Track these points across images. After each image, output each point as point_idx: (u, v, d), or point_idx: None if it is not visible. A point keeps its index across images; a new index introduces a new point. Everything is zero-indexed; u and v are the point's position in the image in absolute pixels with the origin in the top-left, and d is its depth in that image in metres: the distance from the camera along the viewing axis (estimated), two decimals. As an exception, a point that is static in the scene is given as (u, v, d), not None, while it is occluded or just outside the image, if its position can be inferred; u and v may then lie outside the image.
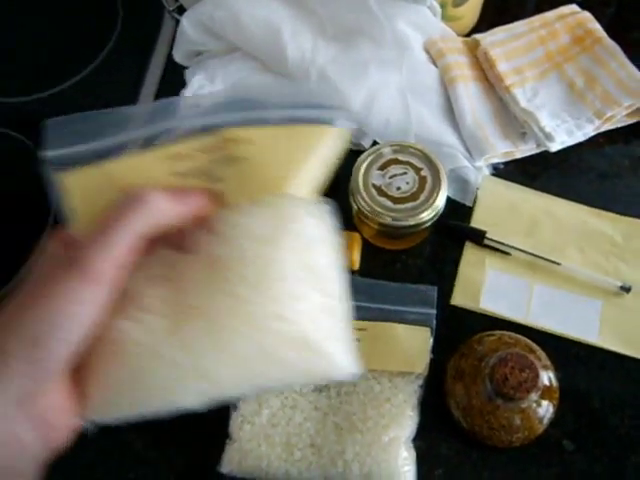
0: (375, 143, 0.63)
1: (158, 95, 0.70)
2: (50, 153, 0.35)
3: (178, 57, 0.70)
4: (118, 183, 0.35)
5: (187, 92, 0.66)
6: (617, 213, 0.61)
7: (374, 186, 0.54)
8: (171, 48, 0.71)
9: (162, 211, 0.33)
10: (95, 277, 0.31)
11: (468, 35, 0.70)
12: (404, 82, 0.64)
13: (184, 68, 0.70)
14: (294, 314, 0.34)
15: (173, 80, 0.70)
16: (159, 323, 0.33)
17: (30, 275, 0.33)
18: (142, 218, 0.33)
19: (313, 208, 0.36)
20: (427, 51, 0.67)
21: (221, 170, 0.36)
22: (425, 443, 0.51)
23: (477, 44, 0.67)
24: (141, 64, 0.72)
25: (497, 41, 0.66)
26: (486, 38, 0.66)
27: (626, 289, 0.56)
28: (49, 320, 0.30)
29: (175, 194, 0.34)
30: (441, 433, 0.52)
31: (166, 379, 0.33)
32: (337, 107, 0.39)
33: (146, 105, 0.67)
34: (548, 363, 0.51)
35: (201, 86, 0.66)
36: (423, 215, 0.53)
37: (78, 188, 0.35)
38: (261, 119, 0.37)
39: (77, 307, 0.31)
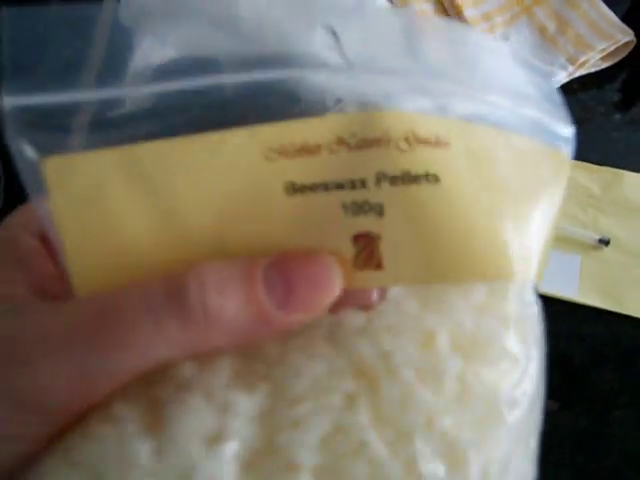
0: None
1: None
2: (10, 101, 0.17)
3: (124, 19, 0.66)
4: (160, 192, 0.18)
5: (137, 57, 0.62)
6: (593, 163, 0.59)
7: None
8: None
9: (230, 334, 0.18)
10: None
11: (432, -19, 0.66)
12: (366, 32, 0.60)
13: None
14: None
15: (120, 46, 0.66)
16: None
17: None
18: (189, 342, 0.18)
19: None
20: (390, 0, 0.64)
21: (380, 191, 0.18)
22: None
23: (442, -10, 0.63)
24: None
25: (463, -14, 0.63)
26: (451, -17, 0.63)
27: (605, 242, 0.55)
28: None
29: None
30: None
31: None
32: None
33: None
34: (528, 323, 0.50)
35: (151, 48, 0.62)
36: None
37: (72, 182, 0.17)
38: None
39: None
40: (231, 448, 0.18)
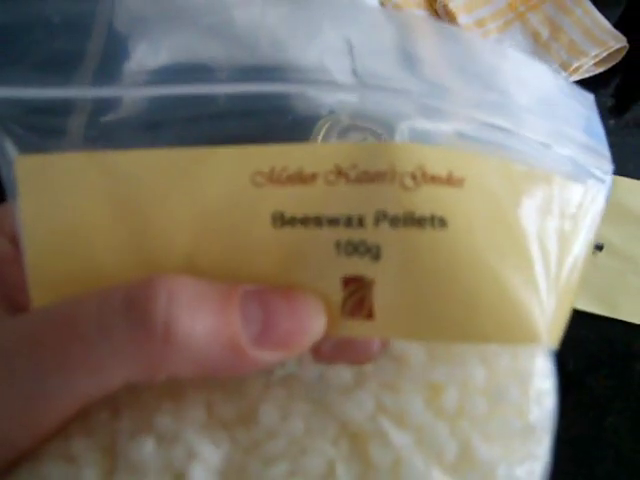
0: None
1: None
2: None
3: (119, 25, 0.66)
4: (132, 205, 0.17)
5: (132, 64, 0.62)
6: (587, 168, 0.59)
7: (334, 154, 0.51)
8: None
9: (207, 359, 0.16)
10: None
11: (426, -13, 0.66)
12: (360, 39, 0.60)
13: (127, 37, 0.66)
14: None
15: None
16: None
17: None
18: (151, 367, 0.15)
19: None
20: (383, 5, 0.64)
21: (378, 232, 0.17)
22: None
23: (436, -4, 0.63)
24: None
25: (457, -8, 0.63)
26: (445, -10, 0.63)
27: (599, 247, 0.55)
28: None
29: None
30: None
31: None
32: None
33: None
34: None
35: (145, 57, 0.62)
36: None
37: (43, 184, 0.17)
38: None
39: None
40: None
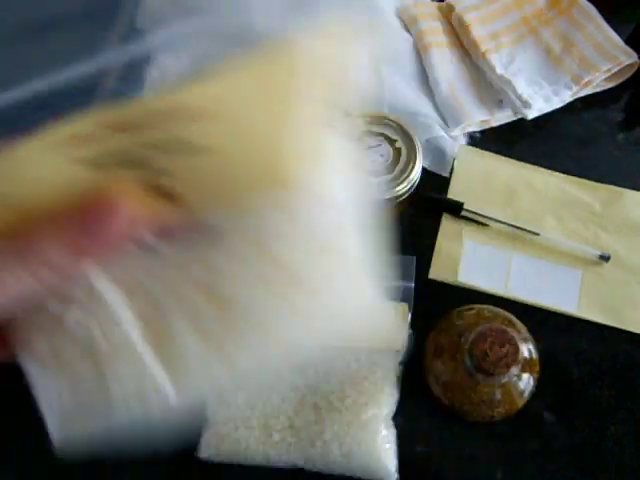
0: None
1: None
2: None
3: (139, 23, 0.67)
4: None
5: (153, 71, 0.63)
6: (595, 180, 0.60)
7: (347, 159, 0.52)
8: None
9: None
10: None
11: (442, 0, 0.67)
12: (376, 49, 0.61)
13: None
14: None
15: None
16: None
17: None
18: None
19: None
20: (400, 17, 0.65)
21: (164, 161, 0.23)
22: (405, 420, 0.50)
23: (451, 9, 0.65)
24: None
25: (472, 5, 0.64)
26: (460, 2, 0.64)
27: (605, 258, 0.55)
28: None
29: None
30: (421, 409, 0.51)
31: None
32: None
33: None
34: (528, 335, 0.50)
35: (168, 64, 0.63)
36: (398, 188, 0.51)
37: None
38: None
39: None
40: None
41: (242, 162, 0.23)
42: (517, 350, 0.45)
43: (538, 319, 0.54)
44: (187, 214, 0.24)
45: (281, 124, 0.23)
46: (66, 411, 0.25)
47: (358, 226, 0.26)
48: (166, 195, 0.23)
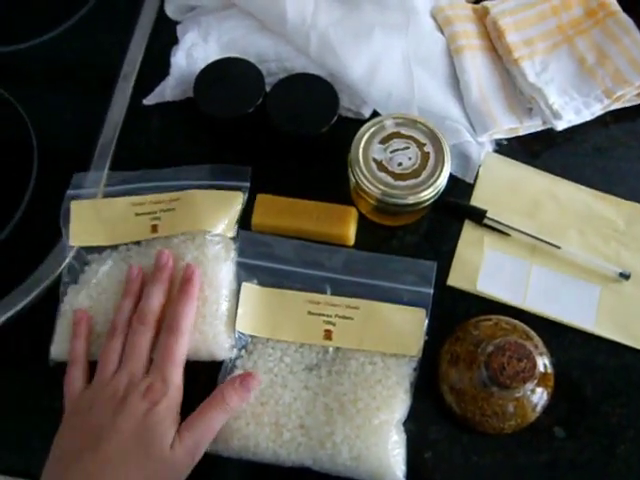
0: (376, 112, 0.61)
1: (148, 51, 0.66)
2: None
3: (170, 11, 0.66)
4: (100, 215, 0.56)
5: (179, 50, 0.63)
6: (621, 196, 0.59)
7: (374, 160, 0.52)
8: (162, 1, 0.67)
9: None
10: None
11: (478, 2, 0.66)
12: (409, 49, 0.61)
13: (176, 23, 0.66)
14: None
15: (164, 36, 0.67)
16: None
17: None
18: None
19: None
20: (434, 18, 0.64)
21: (161, 214, 0.56)
22: (415, 426, 0.50)
23: (486, 12, 0.63)
24: (130, 18, 0.68)
25: (507, 10, 0.63)
26: (496, 6, 0.63)
27: (625, 276, 0.55)
28: None
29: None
30: (432, 417, 0.51)
31: None
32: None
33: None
34: (544, 350, 0.50)
35: (194, 44, 0.62)
36: (424, 194, 0.50)
37: (77, 213, 0.56)
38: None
39: None
40: None
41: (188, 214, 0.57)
42: (535, 365, 0.45)
43: (554, 332, 0.54)
44: None
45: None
46: None
47: None
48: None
